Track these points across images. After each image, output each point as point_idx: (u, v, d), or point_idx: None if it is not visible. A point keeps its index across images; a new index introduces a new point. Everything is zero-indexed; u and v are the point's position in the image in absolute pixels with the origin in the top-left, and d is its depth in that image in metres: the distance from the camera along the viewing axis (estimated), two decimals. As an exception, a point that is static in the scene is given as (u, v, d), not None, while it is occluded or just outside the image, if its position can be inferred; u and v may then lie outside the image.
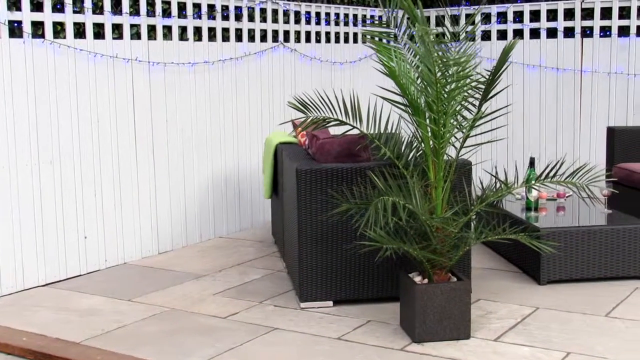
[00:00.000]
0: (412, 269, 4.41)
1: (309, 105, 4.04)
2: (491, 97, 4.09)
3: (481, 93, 4.05)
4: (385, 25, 4.14)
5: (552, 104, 7.66)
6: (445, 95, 3.81)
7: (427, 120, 3.93)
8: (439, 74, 3.72)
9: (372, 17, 7.88)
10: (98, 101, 5.22)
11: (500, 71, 3.99)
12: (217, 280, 5.03)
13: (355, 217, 4.28)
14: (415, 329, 3.86)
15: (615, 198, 6.15)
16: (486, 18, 7.91)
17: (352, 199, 4.08)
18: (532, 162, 5.29)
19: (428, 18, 8.27)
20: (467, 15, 7.98)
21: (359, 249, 4.38)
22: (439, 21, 8.18)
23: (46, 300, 4.67)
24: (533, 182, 3.98)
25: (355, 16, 7.67)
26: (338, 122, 4.03)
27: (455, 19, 8.09)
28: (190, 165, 5.95)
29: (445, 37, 3.93)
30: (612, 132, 6.28)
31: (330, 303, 4.45)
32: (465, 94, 3.96)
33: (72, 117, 5.07)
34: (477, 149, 8.09)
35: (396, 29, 4.12)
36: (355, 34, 7.67)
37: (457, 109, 3.93)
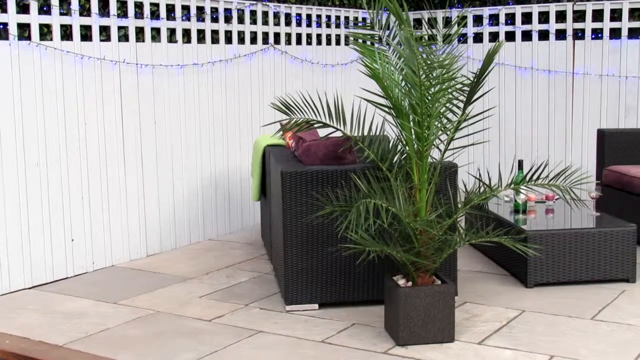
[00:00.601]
0: (398, 271, 4.40)
1: (292, 107, 4.03)
2: (475, 100, 4.08)
3: (466, 95, 4.04)
4: (370, 27, 4.13)
5: (544, 106, 7.65)
6: (429, 98, 3.79)
7: (411, 123, 3.92)
8: (422, 76, 3.71)
9: (363, 19, 7.87)
10: (85, 103, 5.21)
11: (485, 73, 3.97)
12: (204, 283, 5.01)
13: (339, 220, 4.27)
14: (399, 332, 3.85)
15: (605, 201, 6.14)
16: (478, 20, 7.90)
17: (336, 202, 4.07)
18: (520, 165, 5.29)
19: (420, 20, 8.27)
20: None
21: (343, 252, 4.36)
22: (432, 23, 8.17)
23: (32, 303, 4.65)
24: (517, 184, 3.96)
25: (347, 18, 7.66)
26: (321, 124, 4.02)
27: (447, 21, 8.08)
28: (179, 168, 5.94)
29: (436, 39, 3.92)
30: (602, 135, 6.27)
31: (316, 306, 4.44)
32: (450, 96, 3.95)
33: (59, 120, 5.06)
34: (467, 151, 8.07)
35: (381, 31, 4.11)
36: (347, 36, 7.66)
37: (442, 111, 3.92)
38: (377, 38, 4.13)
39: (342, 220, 4.29)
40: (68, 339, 4.03)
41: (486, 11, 7.82)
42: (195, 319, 4.32)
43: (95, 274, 5.28)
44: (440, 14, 8.11)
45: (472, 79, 3.97)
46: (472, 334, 4.00)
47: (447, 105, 3.95)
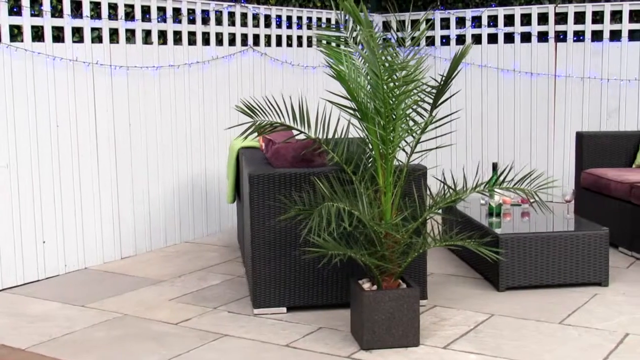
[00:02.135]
0: (365, 275, 4.37)
1: (256, 109, 4.00)
2: (443, 102, 4.05)
3: (433, 98, 4.01)
4: (338, 29, 4.10)
5: (525, 108, 7.63)
6: (394, 100, 3.77)
7: (376, 126, 3.89)
8: (385, 77, 3.68)
9: (345, 20, 7.84)
10: (57, 105, 5.18)
11: (452, 76, 3.95)
12: (175, 286, 4.98)
13: (303, 223, 4.24)
14: (363, 336, 3.82)
15: (583, 204, 6.11)
16: (461, 22, 7.88)
17: (302, 205, 4.04)
18: (494, 167, 5.26)
19: (403, 22, 8.24)
20: (442, 20, 7.95)
21: (305, 255, 4.33)
22: (417, 25, 8.14)
23: (-1, 306, 4.63)
24: (482, 187, 3.94)
25: (328, 20, 7.63)
26: (284, 127, 3.99)
27: (431, 24, 8.06)
28: (155, 170, 5.91)
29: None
30: (581, 138, 6.24)
31: (284, 309, 4.41)
32: (417, 97, 3.92)
33: (30, 122, 5.02)
34: (450, 154, 8.03)
35: (347, 33, 4.08)
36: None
37: (408, 113, 3.89)
38: (343, 40, 4.10)
39: (307, 223, 4.26)
40: (31, 342, 4.00)
41: (469, 13, 7.79)
42: (162, 322, 4.29)
43: (67, 276, 5.25)
44: (423, 17, 8.08)
45: (439, 81, 3.94)
46: (438, 338, 3.97)
47: (414, 107, 3.93)
